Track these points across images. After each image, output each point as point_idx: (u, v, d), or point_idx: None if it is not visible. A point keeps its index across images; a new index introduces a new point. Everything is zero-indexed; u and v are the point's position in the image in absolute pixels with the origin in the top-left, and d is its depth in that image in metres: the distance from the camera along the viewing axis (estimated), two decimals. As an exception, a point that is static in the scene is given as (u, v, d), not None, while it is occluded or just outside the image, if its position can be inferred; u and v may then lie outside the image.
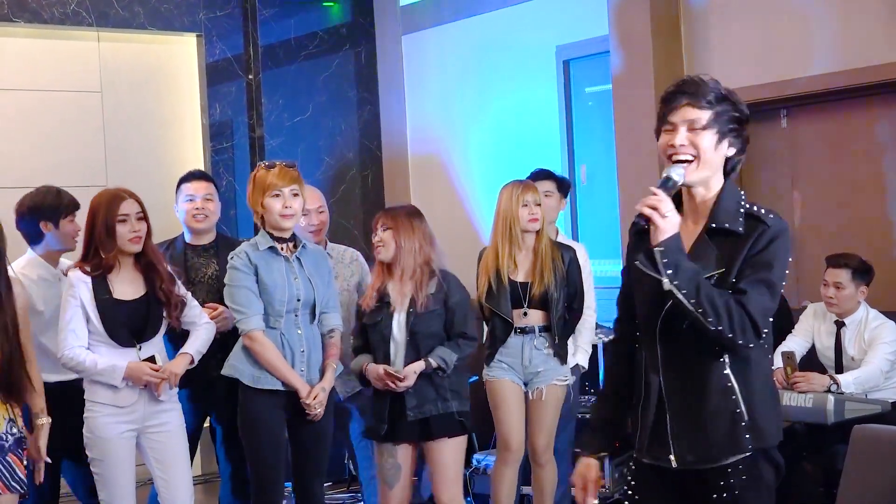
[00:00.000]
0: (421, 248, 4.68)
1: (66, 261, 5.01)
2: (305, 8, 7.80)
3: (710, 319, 2.81)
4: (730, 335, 2.82)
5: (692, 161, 2.95)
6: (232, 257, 4.70)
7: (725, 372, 2.90)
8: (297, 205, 4.65)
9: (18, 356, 4.14)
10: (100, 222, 4.47)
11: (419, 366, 4.63)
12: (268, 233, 4.67)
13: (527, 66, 6.96)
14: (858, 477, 4.51)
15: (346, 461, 6.58)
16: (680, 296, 2.82)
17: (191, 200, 5.27)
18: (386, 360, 4.70)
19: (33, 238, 4.85)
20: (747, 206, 2.96)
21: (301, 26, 7.79)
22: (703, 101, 2.96)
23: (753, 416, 2.91)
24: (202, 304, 5.10)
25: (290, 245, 4.68)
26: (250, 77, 7.62)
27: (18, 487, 4.11)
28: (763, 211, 2.93)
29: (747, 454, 2.91)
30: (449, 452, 4.69)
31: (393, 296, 4.73)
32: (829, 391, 5.09)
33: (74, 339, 4.45)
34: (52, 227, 4.81)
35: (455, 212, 7.47)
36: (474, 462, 6.19)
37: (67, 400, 4.74)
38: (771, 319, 2.90)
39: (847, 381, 5.17)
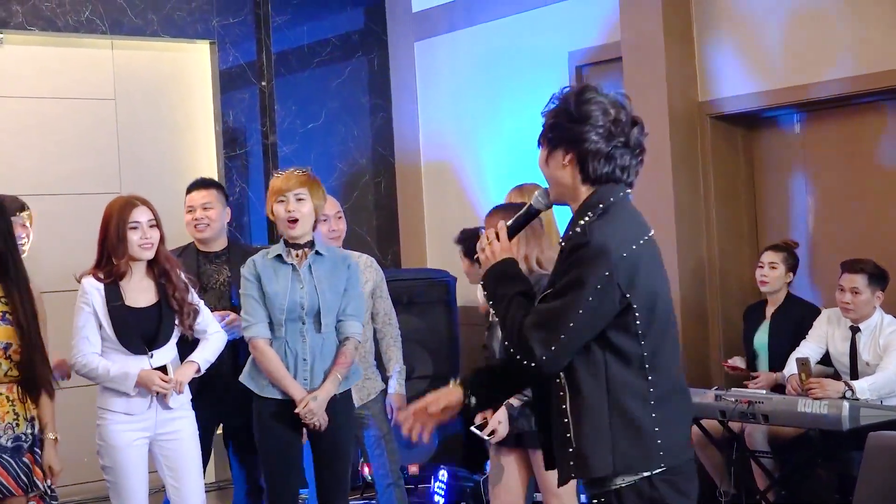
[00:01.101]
0: (528, 252, 4.45)
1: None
2: (318, 15, 7.81)
3: (506, 343, 2.82)
4: (517, 356, 2.78)
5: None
6: (243, 266, 4.71)
7: (560, 393, 2.81)
8: (304, 209, 4.59)
9: (41, 352, 4.17)
10: (112, 229, 4.49)
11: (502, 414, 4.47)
12: (284, 240, 4.67)
13: (539, 71, 6.96)
14: (874, 483, 4.49)
15: (359, 468, 6.58)
16: (498, 319, 2.88)
17: (190, 211, 5.32)
18: None
19: None
20: (580, 221, 2.81)
21: (314, 33, 7.80)
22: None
23: (579, 442, 2.77)
24: (213, 310, 5.12)
25: (304, 252, 4.66)
26: (263, 84, 7.64)
27: (31, 488, 4.11)
28: (580, 227, 2.79)
29: (611, 488, 2.77)
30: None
31: None
32: (843, 397, 5.07)
33: (87, 345, 4.46)
34: None
35: (468, 218, 7.46)
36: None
37: None
38: (563, 336, 2.73)
39: (862, 387, 5.15)
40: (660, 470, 2.78)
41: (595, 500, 2.82)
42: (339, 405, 4.69)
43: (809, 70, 5.81)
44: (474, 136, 7.58)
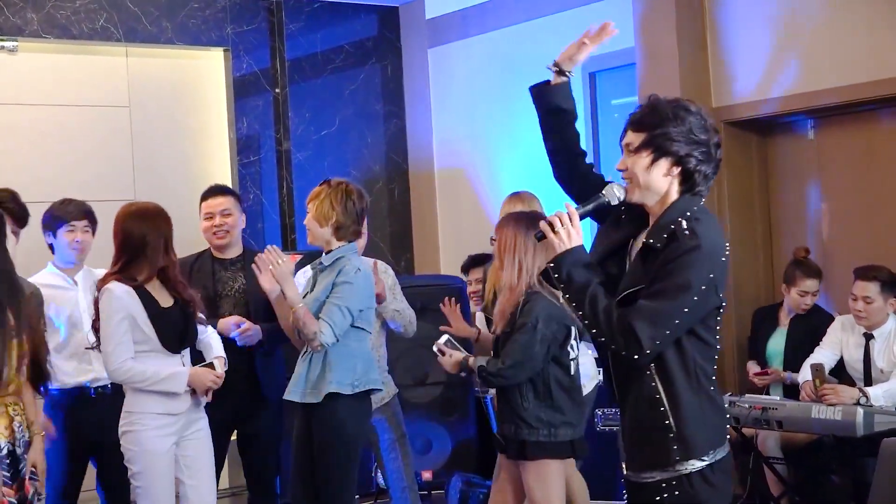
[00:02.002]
0: (520, 266, 4.48)
1: (95, 270, 5.08)
2: (332, 22, 7.83)
3: (593, 331, 2.96)
4: (612, 346, 2.95)
5: (630, 182, 3.06)
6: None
7: (653, 383, 2.98)
8: (307, 220, 4.70)
9: (44, 347, 4.31)
10: (154, 236, 4.49)
11: (459, 355, 4.61)
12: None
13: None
14: (887, 490, 4.49)
15: (373, 474, 6.58)
16: (571, 307, 3.02)
17: (209, 218, 5.32)
18: None
19: (50, 249, 5.12)
20: (680, 221, 2.96)
21: (327, 40, 7.82)
22: (638, 124, 3.04)
23: (680, 427, 2.96)
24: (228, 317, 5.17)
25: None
26: (277, 91, 7.66)
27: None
28: (685, 227, 2.94)
29: (683, 473, 2.95)
30: (525, 474, 4.54)
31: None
32: (858, 404, 5.05)
33: (125, 350, 4.40)
34: (51, 237, 5.04)
35: (481, 224, 7.47)
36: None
37: (79, 404, 4.91)
38: (668, 331, 2.89)
39: (876, 393, 5.14)
40: (722, 456, 3.01)
41: (664, 486, 2.97)
42: (320, 412, 4.62)
43: (823, 76, 5.80)
44: (488, 142, 7.59)
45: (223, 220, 5.30)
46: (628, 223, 3.13)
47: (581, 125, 6.91)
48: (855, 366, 5.46)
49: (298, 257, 4.73)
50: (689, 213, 2.97)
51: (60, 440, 4.92)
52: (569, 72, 3.38)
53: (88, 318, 4.92)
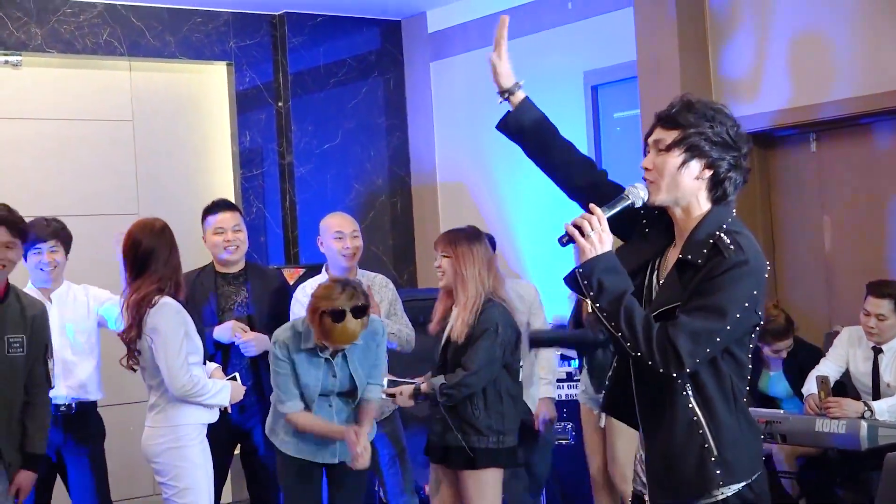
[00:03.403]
0: (481, 277, 4.62)
1: (74, 285, 5.08)
2: (334, 36, 7.84)
3: (629, 344, 2.74)
4: (650, 362, 2.73)
5: (654, 182, 2.87)
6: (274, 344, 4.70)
7: (690, 405, 2.80)
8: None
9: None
10: (175, 251, 4.49)
11: (408, 387, 4.71)
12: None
13: (554, 91, 6.97)
14: None
15: (375, 489, 6.57)
16: (601, 317, 2.76)
17: (220, 233, 5.30)
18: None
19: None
20: (720, 234, 2.81)
21: (330, 54, 7.83)
22: (672, 121, 2.87)
23: (722, 450, 2.79)
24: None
25: None
26: (280, 104, 7.67)
27: None
28: (728, 241, 2.79)
29: (719, 498, 2.79)
30: (468, 484, 4.63)
31: (451, 320, 4.72)
32: (862, 417, 5.04)
33: (189, 366, 4.38)
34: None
35: (484, 237, 7.48)
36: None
37: (77, 420, 4.82)
38: (708, 349, 2.73)
39: (881, 408, 5.10)
40: (758, 474, 2.86)
41: None
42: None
43: (825, 89, 5.81)
44: (490, 156, 7.60)
45: (235, 235, 5.30)
46: (655, 238, 2.97)
47: (583, 138, 6.98)
48: (862, 379, 5.42)
49: (301, 271, 4.73)
50: (725, 226, 2.83)
51: None
52: (517, 84, 3.24)
53: (60, 336, 4.94)
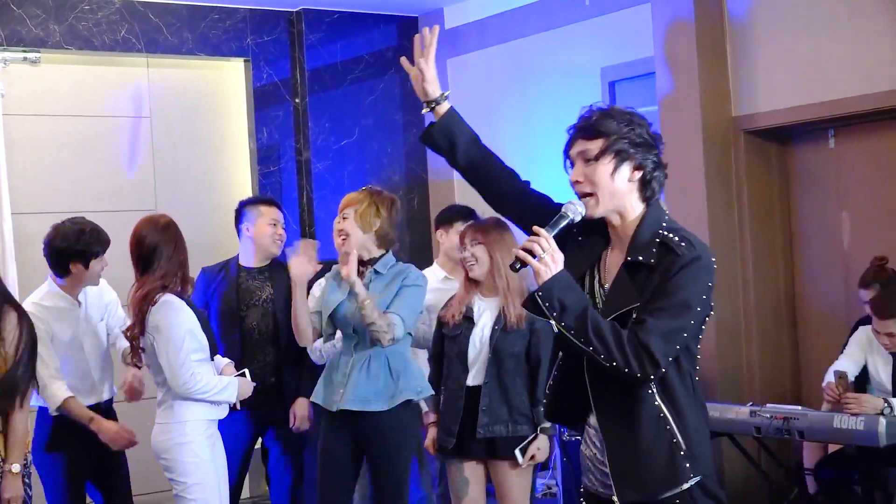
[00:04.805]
0: None
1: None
2: (351, 32, 7.85)
3: (602, 356, 2.78)
4: (626, 369, 2.77)
5: (592, 195, 2.93)
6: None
7: (656, 402, 2.85)
8: (347, 225, 4.61)
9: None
10: (180, 247, 4.48)
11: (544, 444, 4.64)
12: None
13: (572, 88, 6.96)
14: (911, 500, 4.45)
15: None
16: (569, 336, 2.78)
17: (274, 225, 5.38)
18: (461, 373, 4.68)
19: (59, 272, 4.81)
20: (664, 233, 2.88)
21: (347, 50, 7.84)
22: (594, 131, 2.93)
23: (689, 444, 2.85)
24: (255, 327, 5.19)
25: (362, 271, 4.65)
26: (297, 101, 7.68)
27: None
28: (677, 238, 2.87)
29: (685, 488, 2.85)
30: (513, 475, 4.64)
31: (478, 311, 4.70)
32: (881, 414, 5.01)
33: (191, 363, 4.37)
34: (81, 267, 4.77)
35: (501, 234, 7.48)
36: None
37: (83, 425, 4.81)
38: (678, 346, 2.82)
39: (901, 405, 5.08)
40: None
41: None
42: (390, 419, 4.58)
43: (843, 85, 5.78)
44: (506, 152, 7.52)
45: (282, 231, 5.40)
46: (589, 245, 3.02)
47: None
48: (880, 379, 5.38)
49: (319, 267, 4.71)
50: (665, 224, 2.91)
51: (62, 464, 4.79)
52: (442, 95, 3.30)
53: (94, 336, 4.90)
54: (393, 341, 4.47)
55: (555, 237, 2.88)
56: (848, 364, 5.47)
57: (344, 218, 4.62)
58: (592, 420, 2.98)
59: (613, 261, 2.96)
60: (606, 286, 2.95)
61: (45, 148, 6.98)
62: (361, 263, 4.62)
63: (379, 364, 4.55)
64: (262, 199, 5.55)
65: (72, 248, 4.73)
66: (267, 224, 5.37)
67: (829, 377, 5.35)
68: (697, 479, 2.87)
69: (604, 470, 2.96)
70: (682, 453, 2.84)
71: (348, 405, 4.53)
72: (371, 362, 4.55)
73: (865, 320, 5.42)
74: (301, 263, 4.57)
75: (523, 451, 4.58)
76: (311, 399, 4.69)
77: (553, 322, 2.80)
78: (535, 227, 2.86)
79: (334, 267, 4.71)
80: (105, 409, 4.92)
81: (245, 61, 7.59)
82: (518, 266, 2.83)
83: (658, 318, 2.79)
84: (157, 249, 4.38)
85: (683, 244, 2.85)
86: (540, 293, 2.80)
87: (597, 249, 3.02)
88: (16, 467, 4.21)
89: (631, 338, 2.78)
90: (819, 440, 5.30)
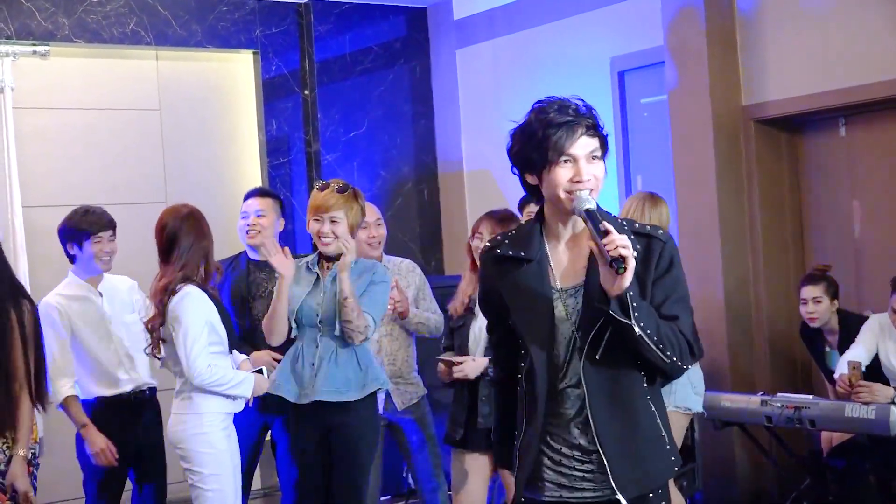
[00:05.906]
0: None
1: (111, 276, 5.03)
2: (360, 23, 7.84)
3: (668, 353, 2.75)
4: (681, 364, 2.79)
5: (594, 191, 2.82)
6: None
7: (647, 398, 2.87)
8: (339, 230, 4.53)
9: (43, 366, 4.26)
10: (202, 237, 4.48)
11: (483, 361, 4.56)
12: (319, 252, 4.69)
13: (581, 77, 6.95)
14: (924, 489, 4.44)
15: (404, 474, 6.59)
16: (646, 338, 2.71)
17: (244, 217, 5.39)
18: None
19: (69, 258, 4.89)
20: (625, 223, 2.83)
21: (356, 42, 7.84)
22: (596, 128, 2.85)
23: (669, 438, 2.91)
24: (261, 318, 5.16)
25: (331, 264, 4.61)
26: (306, 93, 7.68)
27: None
28: (648, 228, 2.87)
29: (661, 482, 2.90)
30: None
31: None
32: (892, 402, 5.00)
33: (209, 356, 4.38)
34: (77, 249, 4.82)
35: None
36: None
37: (123, 412, 4.82)
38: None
39: (912, 393, 5.07)
40: None
41: (653, 498, 2.86)
42: (361, 409, 4.57)
43: (854, 73, 5.76)
44: (516, 142, 7.57)
45: (256, 220, 5.35)
46: (533, 256, 2.91)
47: (610, 124, 6.95)
48: (893, 367, 5.37)
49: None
50: (612, 215, 2.85)
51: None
52: None
53: (117, 325, 4.92)
54: (365, 341, 4.50)
55: (494, 261, 2.96)
56: (861, 353, 5.45)
57: (334, 221, 4.54)
58: (576, 432, 2.87)
59: (565, 260, 2.88)
60: (568, 286, 2.85)
61: (55, 141, 6.99)
62: (328, 259, 4.61)
63: (347, 355, 4.54)
64: (250, 191, 5.54)
65: (65, 230, 4.82)
66: (240, 218, 5.40)
67: (843, 368, 5.33)
68: (676, 468, 2.94)
69: (581, 469, 2.87)
70: (667, 447, 2.89)
71: (322, 396, 4.50)
72: (339, 353, 4.53)
73: None
74: (283, 261, 4.54)
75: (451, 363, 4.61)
76: (275, 392, 4.60)
77: (634, 324, 2.69)
78: (611, 231, 2.66)
79: (295, 260, 4.69)
80: (148, 399, 4.96)
81: (254, 53, 7.59)
82: (624, 268, 2.63)
83: (682, 312, 2.83)
84: (177, 238, 4.40)
85: (650, 228, 2.87)
86: (631, 293, 2.69)
87: (538, 255, 2.90)
88: (21, 451, 4.21)
89: (678, 334, 2.79)
90: (830, 429, 5.29)
